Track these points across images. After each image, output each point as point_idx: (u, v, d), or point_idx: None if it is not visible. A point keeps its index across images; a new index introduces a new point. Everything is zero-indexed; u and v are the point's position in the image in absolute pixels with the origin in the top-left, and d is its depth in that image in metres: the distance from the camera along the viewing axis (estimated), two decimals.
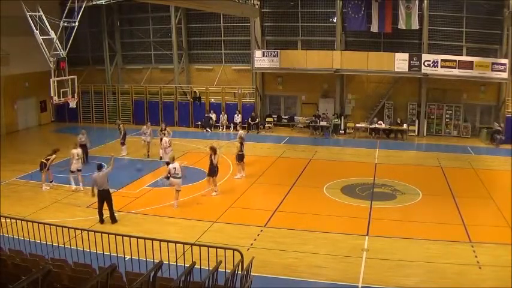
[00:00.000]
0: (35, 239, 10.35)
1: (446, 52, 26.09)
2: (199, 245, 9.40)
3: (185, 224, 14.23)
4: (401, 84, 27.30)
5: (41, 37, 19.63)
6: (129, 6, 30.31)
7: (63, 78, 20.40)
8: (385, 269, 11.22)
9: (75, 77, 21.53)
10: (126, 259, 10.28)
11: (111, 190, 14.47)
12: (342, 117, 27.95)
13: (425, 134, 27.08)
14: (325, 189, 17.38)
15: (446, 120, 27.12)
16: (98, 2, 21.72)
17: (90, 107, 31.50)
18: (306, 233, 13.38)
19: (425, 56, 25.52)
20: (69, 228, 10.24)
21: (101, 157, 19.91)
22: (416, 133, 27.07)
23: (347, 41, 27.97)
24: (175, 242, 9.52)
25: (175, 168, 15.48)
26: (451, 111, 26.96)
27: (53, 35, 19.96)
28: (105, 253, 9.68)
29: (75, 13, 20.24)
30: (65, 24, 20.41)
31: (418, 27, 25.60)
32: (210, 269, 7.93)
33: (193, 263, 7.73)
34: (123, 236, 9.88)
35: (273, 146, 25.15)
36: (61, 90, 20.19)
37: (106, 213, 14.15)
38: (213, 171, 16.66)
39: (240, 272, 8.28)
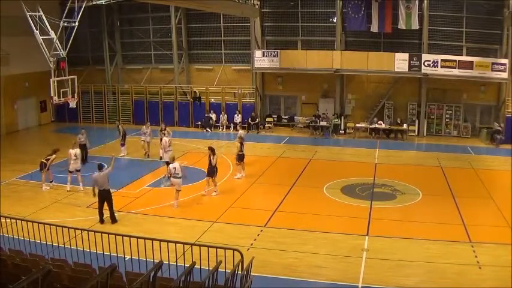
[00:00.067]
0: (35, 239, 10.34)
1: (446, 52, 26.08)
2: (199, 245, 9.40)
3: (185, 224, 14.23)
4: (401, 84, 27.30)
5: (41, 37, 19.61)
6: (129, 6, 30.31)
7: (63, 78, 20.38)
8: (385, 269, 11.22)
9: (75, 77, 21.52)
10: (126, 259, 10.28)
11: (111, 190, 14.45)
12: (342, 117, 27.94)
13: (425, 134, 27.08)
14: (325, 189, 17.38)
15: (446, 120, 27.11)
16: (98, 2, 21.71)
17: (90, 107, 31.50)
18: (306, 233, 13.38)
19: (425, 56, 25.51)
20: (69, 228, 10.24)
21: (101, 157, 19.93)
22: (416, 133, 27.07)
23: (347, 41, 27.96)
24: (175, 242, 9.52)
25: (175, 168, 15.48)
26: (451, 111, 26.96)
27: (53, 35, 19.95)
28: (105, 253, 9.67)
29: (75, 13, 20.23)
30: (65, 24, 20.40)
31: (418, 27, 25.60)
32: (210, 269, 7.93)
33: (193, 263, 7.73)
34: (123, 236, 9.88)
35: (273, 146, 25.15)
36: (61, 90, 20.17)
37: (106, 213, 14.14)
38: (211, 171, 16.66)
39: (240, 272, 8.27)
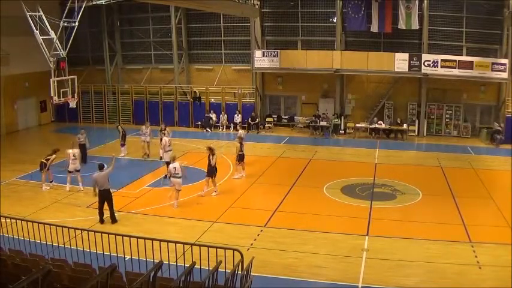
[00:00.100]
0: (35, 239, 10.34)
1: (446, 52, 26.08)
2: (199, 245, 9.39)
3: (185, 224, 14.23)
4: (401, 84, 27.30)
5: (41, 37, 19.60)
6: (129, 6, 30.31)
7: (63, 78, 20.38)
8: (385, 269, 11.22)
9: (75, 77, 21.51)
10: (126, 259, 10.28)
11: (111, 190, 14.45)
12: (342, 117, 27.94)
13: (425, 134, 27.08)
14: (325, 189, 17.38)
15: (446, 120, 27.11)
16: (98, 2, 21.71)
17: (90, 107, 31.50)
18: (306, 233, 13.37)
19: (425, 56, 25.51)
20: (69, 228, 10.24)
21: (101, 157, 19.92)
22: (416, 133, 27.07)
23: (347, 41, 27.96)
24: (175, 242, 9.52)
25: (175, 168, 15.48)
26: (451, 111, 26.96)
27: (53, 35, 19.95)
28: (105, 253, 9.67)
29: (75, 13, 20.22)
30: (65, 24, 20.39)
31: (418, 27, 25.60)
32: (210, 269, 7.93)
33: (193, 263, 7.73)
34: (123, 236, 9.88)
35: (273, 146, 25.15)
36: (61, 90, 20.16)
37: (106, 214, 14.14)
38: (211, 171, 16.65)
39: (240, 272, 8.27)
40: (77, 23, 20.36)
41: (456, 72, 24.96)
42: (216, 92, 29.87)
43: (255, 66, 28.14)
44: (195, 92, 30.39)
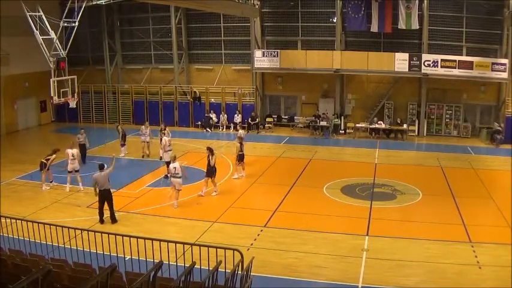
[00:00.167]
0: (35, 239, 10.34)
1: (446, 52, 26.08)
2: (199, 245, 9.39)
3: (185, 224, 14.23)
4: (401, 84, 27.30)
5: (41, 37, 19.61)
6: (129, 6, 30.31)
7: (63, 78, 20.39)
8: (385, 269, 11.22)
9: (75, 77, 21.52)
10: (126, 259, 10.28)
11: (111, 190, 14.44)
12: (342, 117, 27.94)
13: (425, 134, 27.08)
14: (325, 189, 17.38)
15: (446, 120, 27.11)
16: (98, 2, 21.72)
17: (90, 107, 31.50)
18: (306, 233, 13.37)
19: (425, 56, 25.51)
20: (69, 228, 10.24)
21: (101, 157, 19.92)
22: (416, 133, 27.06)
23: (347, 41, 27.96)
24: (175, 242, 9.52)
25: (175, 168, 15.48)
26: (451, 111, 26.96)
27: (53, 35, 19.95)
28: (105, 253, 9.67)
29: (75, 13, 20.23)
30: (65, 24, 20.40)
31: (418, 27, 25.60)
32: (210, 269, 7.93)
33: (193, 263, 7.73)
34: (123, 236, 9.88)
35: (273, 146, 25.14)
36: (61, 90, 20.17)
37: (106, 214, 14.14)
38: (210, 172, 16.65)
39: (240, 272, 8.27)
40: (77, 23, 20.37)
41: (456, 72, 24.96)
42: (216, 92, 29.86)
43: (255, 66, 28.14)
44: (195, 92, 30.39)
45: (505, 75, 24.38)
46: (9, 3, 20.39)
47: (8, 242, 10.34)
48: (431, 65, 25.35)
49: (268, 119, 29.55)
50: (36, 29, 19.45)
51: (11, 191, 17.21)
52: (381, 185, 17.95)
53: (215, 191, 16.82)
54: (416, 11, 25.29)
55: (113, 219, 14.11)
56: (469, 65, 24.74)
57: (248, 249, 12.08)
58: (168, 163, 17.45)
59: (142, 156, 21.95)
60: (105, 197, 14.00)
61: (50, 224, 10.43)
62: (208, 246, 9.34)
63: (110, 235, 9.66)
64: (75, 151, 17.63)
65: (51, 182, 17.78)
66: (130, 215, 14.93)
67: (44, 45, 19.73)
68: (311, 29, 28.34)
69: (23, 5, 18.97)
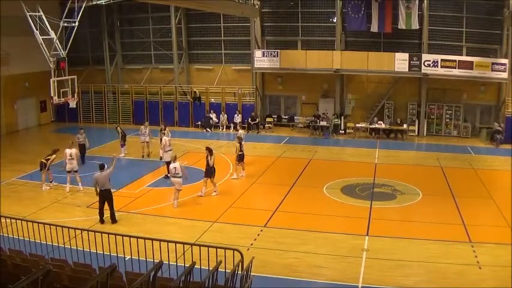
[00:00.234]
0: (35, 239, 10.34)
1: (446, 52, 26.07)
2: (199, 245, 9.40)
3: (185, 224, 14.23)
4: (401, 84, 27.29)
5: (41, 37, 19.61)
6: (129, 6, 30.31)
7: (63, 78, 20.39)
8: (385, 269, 11.22)
9: (75, 77, 21.53)
10: (126, 259, 10.28)
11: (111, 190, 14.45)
12: (342, 117, 27.94)
13: (425, 134, 27.08)
14: (325, 189, 17.38)
15: (446, 120, 27.11)
16: (98, 2, 21.72)
17: (90, 107, 31.50)
18: (306, 233, 13.37)
19: (425, 56, 25.50)
20: (69, 228, 10.24)
21: (101, 157, 19.92)
22: (416, 133, 27.06)
23: (347, 41, 27.96)
24: (175, 242, 9.52)
25: (175, 167, 15.48)
26: (451, 111, 26.96)
27: (53, 35, 19.95)
28: (105, 253, 9.67)
29: (75, 13, 20.24)
30: (65, 24, 20.41)
31: (418, 27, 25.59)
32: (210, 269, 7.93)
33: (193, 263, 7.72)
34: (123, 236, 9.88)
35: (273, 146, 25.14)
36: (61, 90, 20.17)
37: (106, 214, 14.14)
38: (209, 172, 16.65)
39: (240, 272, 8.28)
40: (77, 23, 20.38)
41: (456, 72, 24.95)
42: (216, 92, 29.86)
43: (255, 66, 28.14)
44: (195, 92, 30.39)
45: (505, 75, 24.37)
46: (9, 3, 20.39)
47: (8, 242, 10.34)
48: (431, 65, 25.34)
49: (268, 119, 29.55)
50: (36, 29, 19.46)
51: (11, 191, 17.21)
52: (381, 185, 17.95)
53: (215, 191, 16.82)
54: (416, 11, 25.29)
55: (113, 219, 14.11)
56: (469, 65, 24.73)
57: (248, 249, 12.08)
58: (168, 163, 17.44)
59: (142, 156, 21.97)
60: (105, 197, 14.00)
61: (50, 224, 10.43)
62: (208, 246, 9.34)
63: (110, 235, 9.66)
64: (73, 151, 17.60)
65: (51, 182, 17.79)
66: (130, 215, 14.93)
67: (44, 45, 19.74)
68: (311, 29, 28.34)
69: (23, 5, 18.97)
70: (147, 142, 21.95)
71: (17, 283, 5.50)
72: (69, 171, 17.28)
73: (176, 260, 9.90)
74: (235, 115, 28.93)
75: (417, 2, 25.20)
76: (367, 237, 13.12)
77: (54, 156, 17.48)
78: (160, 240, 9.27)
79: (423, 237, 12.98)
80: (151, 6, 30.07)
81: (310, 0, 28.03)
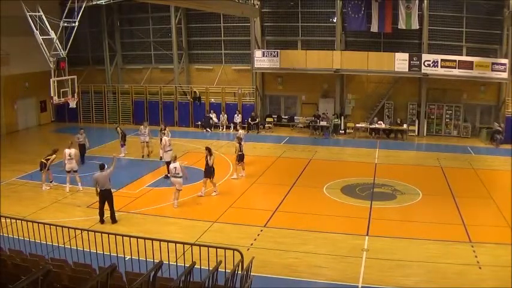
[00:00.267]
0: (35, 239, 10.35)
1: (446, 52, 26.07)
2: (199, 245, 9.40)
3: (185, 224, 14.23)
4: (401, 84, 27.29)
5: (41, 37, 19.61)
6: (129, 6, 30.30)
7: (63, 78, 20.39)
8: (385, 269, 11.22)
9: (75, 77, 21.52)
10: (126, 259, 10.28)
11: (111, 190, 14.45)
12: (342, 117, 27.94)
13: (425, 134, 27.08)
14: (325, 189, 17.38)
15: (446, 120, 27.11)
16: (98, 2, 21.72)
17: (90, 107, 31.50)
18: (306, 233, 13.38)
19: (425, 56, 25.50)
20: (69, 228, 10.24)
21: (101, 157, 19.92)
22: (416, 133, 27.06)
23: (347, 41, 27.96)
24: (175, 242, 9.52)
25: (175, 168, 15.48)
26: (451, 111, 26.96)
27: (53, 35, 19.95)
28: (105, 253, 9.68)
29: (75, 13, 20.23)
30: (65, 24, 20.40)
31: (418, 27, 25.59)
32: (210, 269, 7.93)
33: (193, 263, 7.73)
34: (123, 236, 9.88)
35: (273, 146, 25.14)
36: (61, 90, 20.17)
37: (106, 214, 14.14)
38: (208, 172, 16.65)
39: (240, 272, 8.28)
40: (77, 23, 20.37)
41: (456, 72, 24.94)
42: (216, 92, 29.86)
43: (255, 66, 28.14)
44: (195, 92, 30.39)
45: (505, 75, 24.37)
46: (9, 3, 20.38)
47: (8, 242, 10.34)
48: (431, 65, 25.34)
49: (268, 119, 29.55)
50: (36, 29, 19.45)
51: (11, 191, 17.21)
52: (381, 185, 17.95)
53: (215, 191, 16.82)
54: (416, 11, 25.29)
55: (113, 220, 14.11)
56: (469, 65, 24.73)
57: (248, 249, 12.08)
58: (168, 163, 17.45)
59: (142, 156, 21.97)
60: (105, 197, 14.00)
61: (50, 224, 10.43)
62: (208, 246, 9.34)
63: (110, 235, 9.66)
64: (72, 151, 17.59)
65: (51, 182, 17.79)
66: (130, 215, 14.94)
67: (44, 45, 19.73)
68: (311, 29, 28.34)
69: (23, 5, 18.96)
70: (146, 142, 21.95)
71: (17, 283, 5.50)
72: (68, 171, 17.28)
73: (176, 260, 9.90)
74: (235, 115, 28.92)
75: (417, 2, 25.20)
76: (367, 237, 13.12)
77: (54, 156, 17.48)
78: (160, 240, 9.28)
79: (423, 237, 12.98)
80: (151, 6, 30.07)
81: (310, 0, 28.03)
